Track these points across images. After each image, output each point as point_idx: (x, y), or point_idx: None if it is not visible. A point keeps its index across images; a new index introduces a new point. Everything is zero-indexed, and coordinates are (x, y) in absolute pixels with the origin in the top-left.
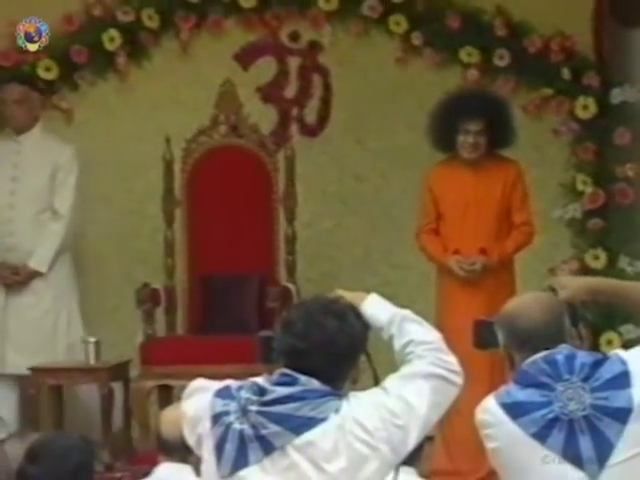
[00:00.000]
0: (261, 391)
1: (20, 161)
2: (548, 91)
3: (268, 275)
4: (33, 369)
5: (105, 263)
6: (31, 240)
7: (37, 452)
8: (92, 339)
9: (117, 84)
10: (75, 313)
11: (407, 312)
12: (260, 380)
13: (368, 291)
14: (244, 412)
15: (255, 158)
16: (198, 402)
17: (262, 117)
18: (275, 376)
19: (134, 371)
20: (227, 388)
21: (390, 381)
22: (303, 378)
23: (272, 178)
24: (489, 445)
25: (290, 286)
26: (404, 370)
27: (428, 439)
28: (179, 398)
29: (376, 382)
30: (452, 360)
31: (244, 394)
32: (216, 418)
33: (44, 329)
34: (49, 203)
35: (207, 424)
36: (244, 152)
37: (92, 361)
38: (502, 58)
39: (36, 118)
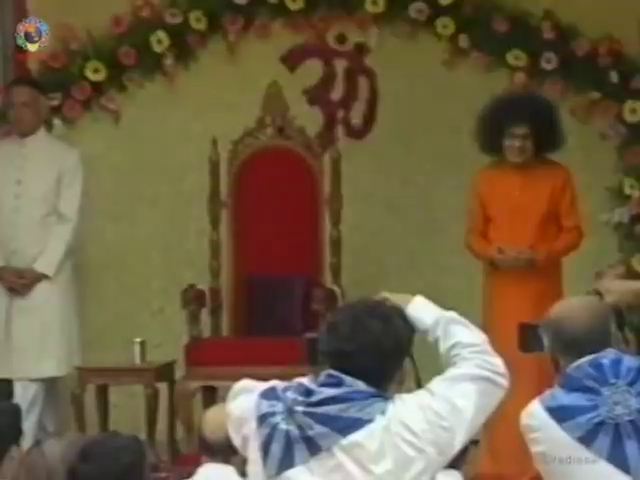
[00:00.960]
0: (307, 392)
1: (25, 164)
2: (596, 95)
3: (313, 277)
4: (79, 369)
5: (151, 264)
6: (36, 244)
7: (89, 451)
8: (138, 339)
9: (164, 86)
10: (74, 320)
11: (453, 314)
12: (306, 381)
13: (413, 294)
14: (290, 413)
15: (301, 160)
16: (243, 403)
17: (308, 119)
18: (321, 377)
19: (179, 372)
20: (273, 389)
21: (436, 383)
22: (349, 379)
23: (318, 180)
24: (534, 449)
25: (335, 288)
26: (450, 372)
27: (473, 443)
28: (223, 399)
29: (418, 384)
30: (498, 362)
31: (290, 395)
32: (262, 419)
33: (48, 334)
34: (54, 207)
35: (253, 425)
36: (290, 154)
37: (138, 361)
38: (550, 61)
39: (42, 121)
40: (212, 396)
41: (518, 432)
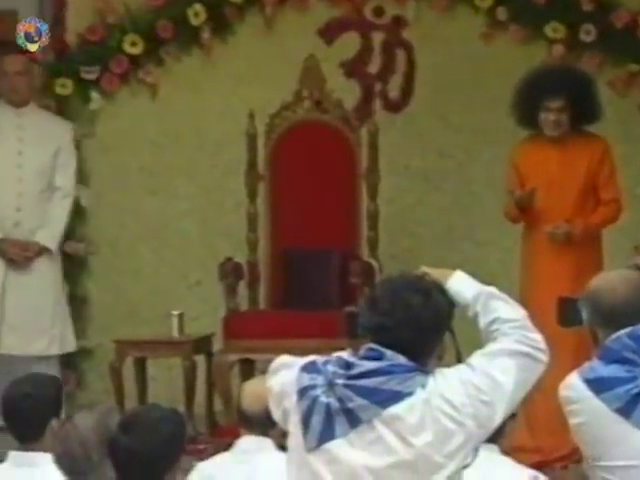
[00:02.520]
0: (348, 365)
1: (24, 135)
2: (634, 67)
3: (350, 251)
4: (117, 342)
5: (189, 237)
6: (36, 217)
7: (130, 423)
8: (176, 312)
9: (202, 59)
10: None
11: (492, 289)
12: (346, 355)
13: (451, 268)
14: (331, 386)
15: (338, 133)
16: (284, 377)
17: (345, 92)
18: (362, 351)
19: (217, 345)
20: (313, 363)
21: (476, 358)
22: (390, 353)
23: (355, 153)
24: (573, 421)
25: (372, 262)
26: (490, 347)
27: (511, 416)
28: (261, 372)
29: (459, 359)
30: (538, 338)
31: (331, 368)
32: (302, 392)
33: (42, 310)
34: (51, 181)
35: (293, 398)
36: (327, 127)
37: (176, 334)
38: (588, 33)
39: (35, 91)
40: (250, 369)
41: (556, 405)
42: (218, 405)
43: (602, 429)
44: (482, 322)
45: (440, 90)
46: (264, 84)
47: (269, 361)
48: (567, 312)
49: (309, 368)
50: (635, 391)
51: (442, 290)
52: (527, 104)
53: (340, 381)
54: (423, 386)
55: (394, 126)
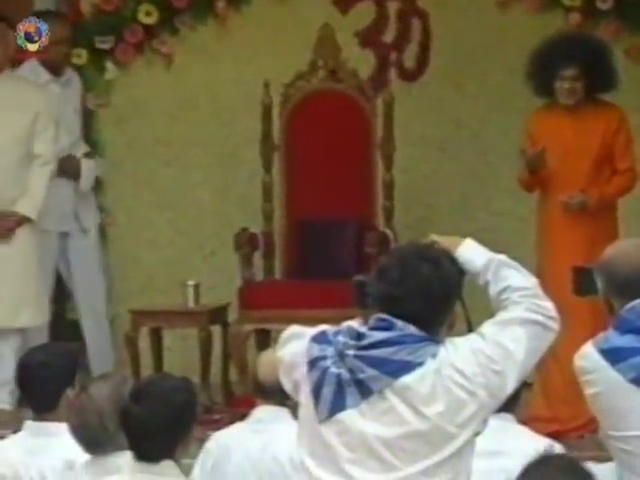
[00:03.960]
0: (358, 336)
1: (0, 103)
2: None
3: (366, 220)
4: (132, 312)
5: (203, 207)
6: (15, 186)
7: (142, 392)
8: (191, 282)
9: (216, 29)
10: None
11: (503, 257)
12: (356, 325)
13: (465, 237)
14: (341, 356)
15: (353, 103)
16: (294, 348)
17: (361, 62)
18: (372, 321)
19: (232, 315)
20: (323, 333)
21: (487, 327)
22: (400, 323)
23: (370, 123)
24: (588, 391)
25: (388, 232)
26: (501, 316)
27: (526, 385)
28: (276, 342)
29: (469, 328)
30: (549, 306)
31: (341, 339)
32: (313, 363)
33: (26, 281)
34: (29, 149)
35: (304, 369)
36: (342, 97)
37: (191, 304)
38: (605, 1)
39: (10, 58)
40: (265, 339)
41: (572, 375)
42: (234, 375)
43: (617, 399)
44: (493, 290)
45: (455, 59)
46: (279, 54)
47: (284, 330)
48: (582, 281)
49: (319, 339)
50: None
51: (452, 259)
52: (542, 73)
53: (350, 352)
54: (434, 356)
55: (409, 96)
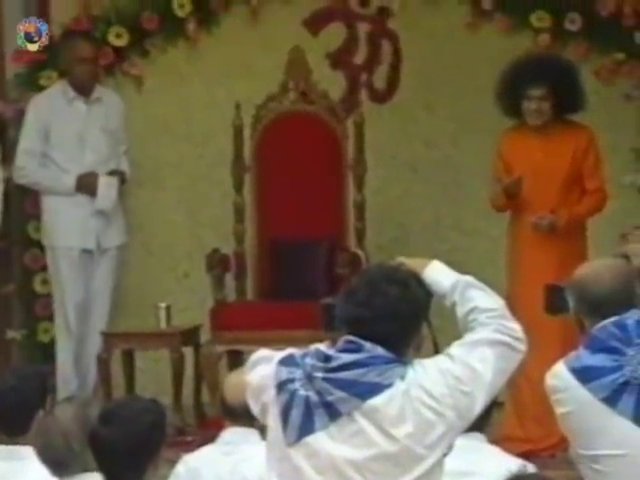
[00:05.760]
0: (326, 358)
1: None
2: (620, 56)
3: (337, 241)
4: (105, 334)
5: (175, 229)
6: None
7: (110, 414)
8: (163, 304)
9: (187, 50)
10: None
11: (470, 278)
12: (324, 347)
13: (438, 258)
14: (309, 379)
15: (324, 124)
16: (262, 371)
17: (331, 83)
18: (340, 343)
19: (204, 336)
20: (291, 356)
21: (455, 348)
22: (368, 345)
23: (341, 145)
24: (559, 410)
25: (359, 252)
26: (468, 337)
27: (497, 404)
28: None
29: (436, 349)
30: (516, 327)
31: (309, 361)
32: (281, 386)
33: None
34: None
35: (272, 392)
36: (313, 118)
37: (163, 326)
38: (574, 22)
39: None
40: (237, 360)
41: (543, 394)
42: (206, 397)
43: (588, 418)
44: (460, 312)
45: (426, 80)
46: (250, 75)
47: (256, 351)
48: (554, 300)
49: (287, 362)
50: (621, 380)
51: (419, 280)
52: (510, 93)
53: (319, 374)
54: (402, 377)
55: (380, 117)
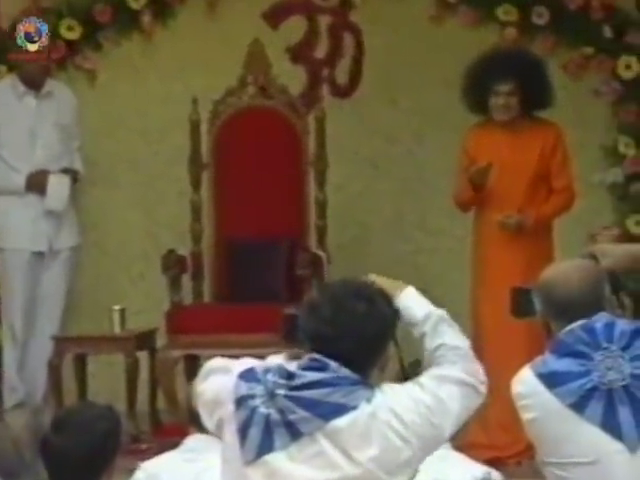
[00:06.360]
0: (289, 375)
1: None
2: (589, 50)
3: (298, 240)
4: (56, 338)
5: (130, 228)
6: None
7: (62, 422)
8: (117, 307)
9: (142, 44)
10: None
11: (443, 312)
12: (286, 363)
13: (401, 257)
14: (271, 396)
15: (284, 120)
16: (218, 384)
17: (292, 78)
18: (304, 360)
19: (160, 340)
20: (252, 371)
21: (424, 379)
22: (333, 364)
23: (302, 140)
24: (525, 416)
25: (320, 253)
26: (438, 371)
27: None
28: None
29: (403, 370)
30: (480, 369)
31: (271, 377)
32: (240, 401)
33: None
34: None
35: (230, 407)
36: (273, 114)
37: (117, 330)
38: (541, 16)
39: None
40: (194, 365)
41: (509, 401)
42: (161, 403)
43: (555, 425)
44: (428, 344)
45: (389, 75)
46: (207, 70)
47: (214, 357)
48: (520, 302)
49: (247, 376)
50: (589, 386)
51: (387, 298)
52: (477, 89)
53: (281, 392)
54: (368, 400)
55: (342, 112)
